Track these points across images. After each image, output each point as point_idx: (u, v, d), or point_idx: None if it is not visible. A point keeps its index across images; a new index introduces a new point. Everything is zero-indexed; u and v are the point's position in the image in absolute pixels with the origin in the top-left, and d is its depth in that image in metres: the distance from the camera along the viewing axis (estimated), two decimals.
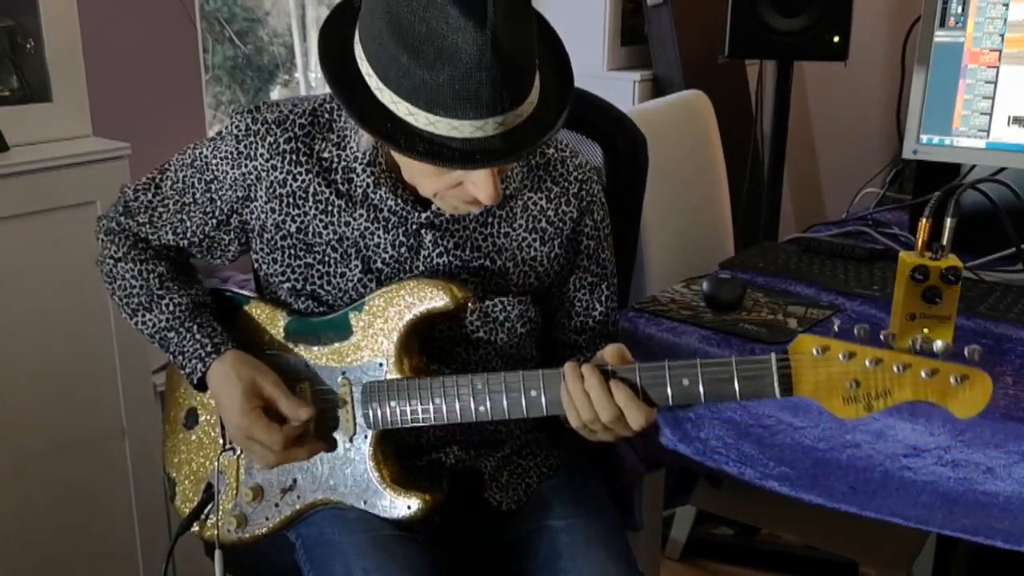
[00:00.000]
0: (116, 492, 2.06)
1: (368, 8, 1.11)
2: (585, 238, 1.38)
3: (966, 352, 1.07)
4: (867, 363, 1.10)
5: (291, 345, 1.33)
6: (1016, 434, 1.25)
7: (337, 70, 1.14)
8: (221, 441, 1.38)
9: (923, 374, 1.08)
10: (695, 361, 1.16)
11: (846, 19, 2.30)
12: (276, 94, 3.00)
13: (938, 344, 1.07)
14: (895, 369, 1.09)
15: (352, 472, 1.30)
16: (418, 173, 1.21)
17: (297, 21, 2.95)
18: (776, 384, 1.13)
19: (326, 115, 1.30)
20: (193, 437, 1.42)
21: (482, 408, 1.23)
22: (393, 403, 1.26)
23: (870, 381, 1.10)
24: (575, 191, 1.36)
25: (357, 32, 1.14)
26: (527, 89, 1.10)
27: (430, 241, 1.30)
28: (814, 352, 1.11)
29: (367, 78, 1.12)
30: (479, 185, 1.14)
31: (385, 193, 1.27)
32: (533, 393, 1.21)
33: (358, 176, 1.28)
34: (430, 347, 1.32)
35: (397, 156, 1.22)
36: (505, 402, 1.22)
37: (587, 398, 1.17)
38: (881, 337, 1.09)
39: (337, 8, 1.19)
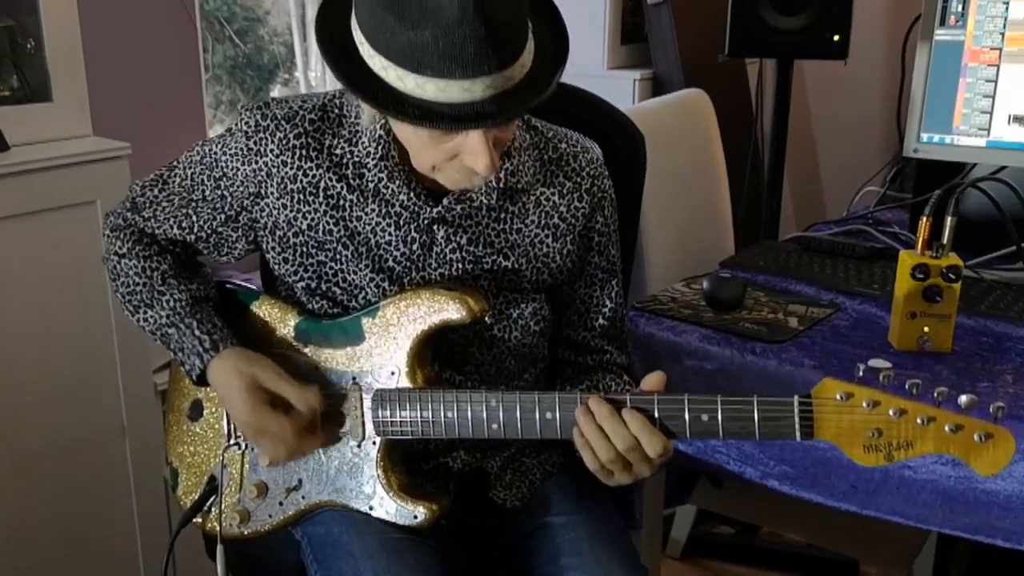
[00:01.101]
0: (116, 492, 2.06)
1: None
2: (596, 234, 1.38)
3: (991, 409, 1.07)
4: (891, 413, 1.09)
5: (301, 345, 1.33)
6: (1016, 433, 1.24)
7: (332, 41, 1.15)
8: (226, 435, 1.38)
9: (947, 429, 1.08)
10: (715, 397, 1.14)
11: (846, 18, 2.30)
12: (276, 93, 3.00)
13: (963, 399, 1.07)
14: (919, 421, 1.08)
15: (359, 477, 1.30)
16: (417, 147, 1.21)
17: (297, 20, 2.95)
18: (797, 428, 1.12)
19: (336, 110, 1.30)
20: (197, 429, 1.42)
21: (495, 425, 1.22)
22: (404, 412, 1.26)
23: (893, 431, 1.09)
24: (587, 186, 1.36)
25: (353, 3, 1.15)
26: (516, 52, 1.10)
27: (442, 237, 1.30)
28: (838, 398, 1.10)
29: (360, 46, 1.13)
30: (475, 153, 1.14)
31: (397, 187, 1.27)
32: (548, 415, 1.20)
33: (369, 171, 1.28)
34: (443, 347, 1.31)
35: (398, 132, 1.23)
36: (519, 422, 1.21)
37: (601, 433, 1.16)
38: (906, 386, 1.08)
39: None
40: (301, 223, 1.30)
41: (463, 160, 1.16)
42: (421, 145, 1.19)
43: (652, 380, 1.20)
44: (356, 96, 1.14)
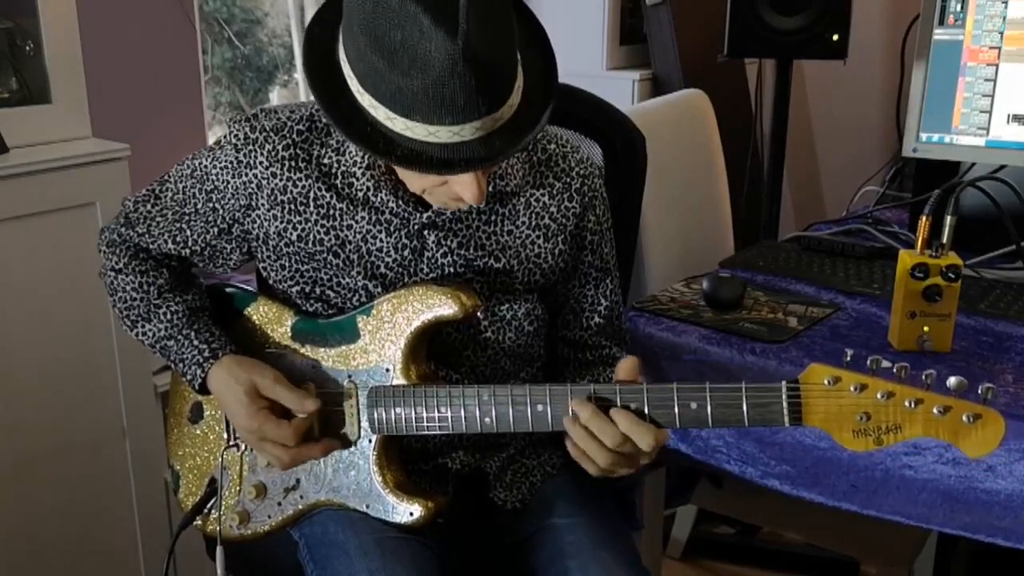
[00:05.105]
0: (117, 493, 2.06)
1: (348, 13, 1.11)
2: (589, 233, 1.38)
3: (980, 390, 1.06)
4: (879, 396, 1.08)
5: (298, 345, 1.33)
6: (1016, 432, 1.25)
7: (319, 72, 1.14)
8: (226, 436, 1.38)
9: (935, 411, 1.07)
10: (704, 385, 1.15)
11: (845, 17, 2.30)
12: (275, 95, 3.00)
13: (951, 380, 1.06)
14: (907, 404, 1.08)
15: (355, 475, 1.30)
16: (405, 174, 1.22)
17: (296, 22, 2.95)
18: (786, 413, 1.12)
19: (323, 120, 1.30)
20: (198, 431, 1.42)
21: (487, 420, 1.23)
22: (399, 409, 1.26)
23: (881, 415, 1.09)
24: (577, 186, 1.36)
25: (341, 34, 1.14)
26: (505, 93, 1.10)
27: (433, 242, 1.30)
28: (825, 382, 1.10)
29: (349, 80, 1.12)
30: (464, 185, 1.15)
31: (386, 195, 1.27)
32: (539, 408, 1.21)
33: (358, 180, 1.28)
34: (438, 349, 1.32)
35: None
36: (511, 415, 1.22)
37: (590, 435, 1.17)
38: (894, 370, 1.08)
39: (322, 8, 1.19)
40: (291, 234, 1.30)
41: (452, 187, 1.17)
42: (411, 174, 1.20)
43: (625, 368, 1.20)
44: (345, 136, 1.13)
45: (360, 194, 1.28)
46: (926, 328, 1.43)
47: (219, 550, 1.35)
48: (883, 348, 1.47)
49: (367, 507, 1.29)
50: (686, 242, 2.13)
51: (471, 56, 1.03)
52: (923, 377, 1.07)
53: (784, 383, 1.12)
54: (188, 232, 1.35)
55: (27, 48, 1.89)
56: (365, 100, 1.11)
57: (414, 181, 1.22)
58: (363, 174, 1.27)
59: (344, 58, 1.13)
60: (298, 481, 1.33)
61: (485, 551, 1.39)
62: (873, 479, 1.35)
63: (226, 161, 1.31)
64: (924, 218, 1.42)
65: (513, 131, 1.11)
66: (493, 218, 1.32)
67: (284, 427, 1.26)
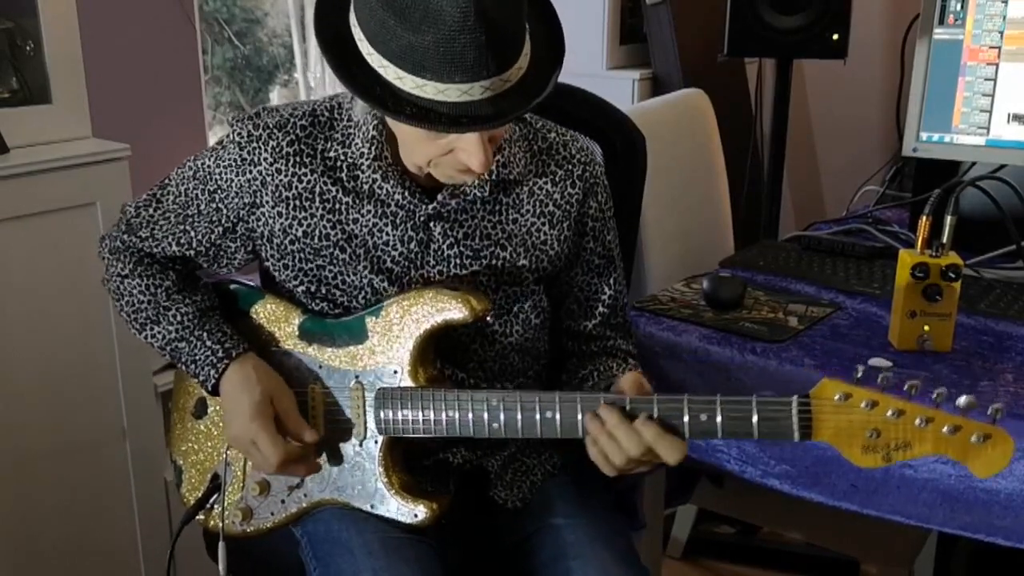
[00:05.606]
0: (117, 493, 2.06)
1: None
2: (590, 220, 1.39)
3: (989, 411, 1.06)
4: (889, 413, 1.09)
5: (305, 344, 1.33)
6: (1017, 432, 1.25)
7: (330, 36, 1.15)
8: None
9: (945, 430, 1.07)
10: (715, 397, 1.15)
11: (845, 17, 2.30)
12: (276, 95, 3.00)
13: (961, 400, 1.06)
14: (917, 422, 1.08)
15: (361, 476, 1.30)
16: (411, 142, 1.22)
17: (296, 21, 2.95)
18: (796, 428, 1.13)
19: (326, 114, 1.31)
20: (202, 427, 1.42)
21: (495, 424, 1.23)
22: (406, 411, 1.26)
23: (891, 432, 1.09)
24: (579, 173, 1.36)
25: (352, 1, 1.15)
26: (514, 55, 1.11)
27: (439, 233, 1.30)
28: (836, 398, 1.10)
29: (359, 43, 1.13)
30: (470, 152, 1.15)
31: (392, 187, 1.28)
32: (548, 414, 1.21)
33: (363, 172, 1.28)
34: (445, 345, 1.32)
35: (393, 128, 1.24)
36: (520, 421, 1.22)
37: (614, 441, 1.17)
38: (905, 387, 1.08)
39: None
40: (297, 230, 1.30)
41: (458, 156, 1.17)
42: (417, 140, 1.20)
43: (628, 381, 1.22)
44: (354, 94, 1.14)
45: (365, 187, 1.29)
46: (926, 328, 1.43)
47: (221, 546, 1.35)
48: (883, 348, 1.47)
49: (372, 507, 1.30)
50: (686, 242, 2.13)
51: (482, 10, 1.05)
52: (933, 396, 1.07)
53: (795, 398, 1.12)
54: (192, 233, 1.35)
55: (27, 48, 1.89)
56: (374, 60, 1.11)
57: (419, 149, 1.21)
58: (369, 165, 1.27)
59: (354, 21, 1.13)
60: (302, 479, 1.33)
61: (486, 550, 1.39)
62: (873, 479, 1.35)
63: (229, 159, 1.31)
64: (924, 218, 1.42)
65: (521, 94, 1.12)
66: (498, 207, 1.32)
67: (278, 445, 1.26)
